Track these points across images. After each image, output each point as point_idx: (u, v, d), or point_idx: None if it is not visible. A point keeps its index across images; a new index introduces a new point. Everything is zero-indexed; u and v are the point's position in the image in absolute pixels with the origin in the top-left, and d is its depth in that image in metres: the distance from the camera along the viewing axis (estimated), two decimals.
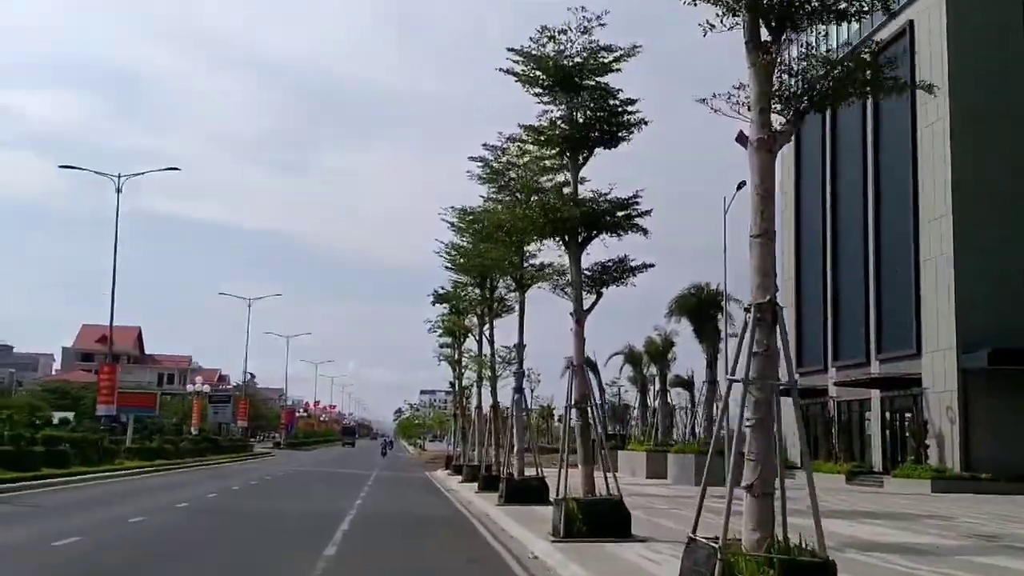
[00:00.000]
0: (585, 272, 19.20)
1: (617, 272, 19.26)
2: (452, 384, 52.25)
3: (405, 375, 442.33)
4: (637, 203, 19.18)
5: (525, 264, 27.64)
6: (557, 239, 19.43)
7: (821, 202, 48.45)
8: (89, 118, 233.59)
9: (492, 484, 30.18)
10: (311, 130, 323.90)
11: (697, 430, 46.28)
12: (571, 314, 19.15)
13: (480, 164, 27.63)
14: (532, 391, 78.73)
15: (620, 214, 19.18)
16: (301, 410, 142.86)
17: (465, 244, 33.80)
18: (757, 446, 10.26)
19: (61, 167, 44.93)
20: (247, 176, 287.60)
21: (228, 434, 71.59)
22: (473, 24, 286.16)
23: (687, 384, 56.64)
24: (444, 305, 49.82)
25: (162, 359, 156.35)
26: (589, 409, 18.74)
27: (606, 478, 17.79)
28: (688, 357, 58.32)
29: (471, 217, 30.64)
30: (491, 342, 34.51)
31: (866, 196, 43.65)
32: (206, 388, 60.18)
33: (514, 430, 28.10)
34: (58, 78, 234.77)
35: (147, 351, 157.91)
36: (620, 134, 19.48)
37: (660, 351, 45.79)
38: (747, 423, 10.34)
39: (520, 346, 27.62)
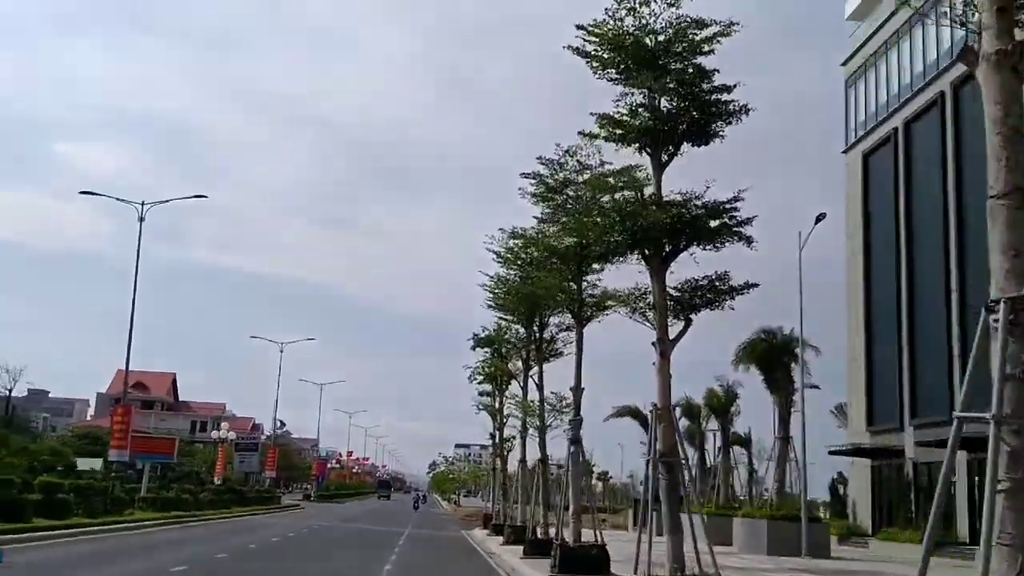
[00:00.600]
0: (671, 291, 15.48)
1: (712, 292, 15.47)
2: (492, 436, 48.38)
3: (440, 429, 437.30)
4: (736, 208, 15.48)
5: (584, 293, 24.01)
6: (635, 253, 15.74)
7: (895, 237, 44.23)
8: (141, 169, 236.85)
9: (541, 549, 26.38)
10: (359, 185, 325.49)
11: (758, 491, 41.91)
12: (653, 344, 15.38)
13: (534, 180, 24.16)
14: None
15: (714, 223, 15.49)
16: (333, 461, 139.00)
17: (512, 275, 30.31)
18: (1016, 523, 6.40)
19: (82, 192, 40.11)
20: (294, 229, 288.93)
21: (255, 485, 67.90)
22: (523, 85, 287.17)
23: (744, 442, 52.30)
24: (485, 350, 46.35)
25: (196, 406, 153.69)
26: (677, 463, 14.89)
27: (697, 551, 13.90)
28: (747, 412, 54.02)
29: (521, 241, 27.06)
30: (540, 387, 30.70)
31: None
32: (231, 435, 56.62)
33: (569, 488, 24.16)
34: (111, 130, 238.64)
35: (182, 398, 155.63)
36: (714, 126, 15.85)
37: (722, 404, 41.59)
38: (1001, 485, 6.44)
39: (577, 389, 23.80)
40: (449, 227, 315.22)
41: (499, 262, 31.12)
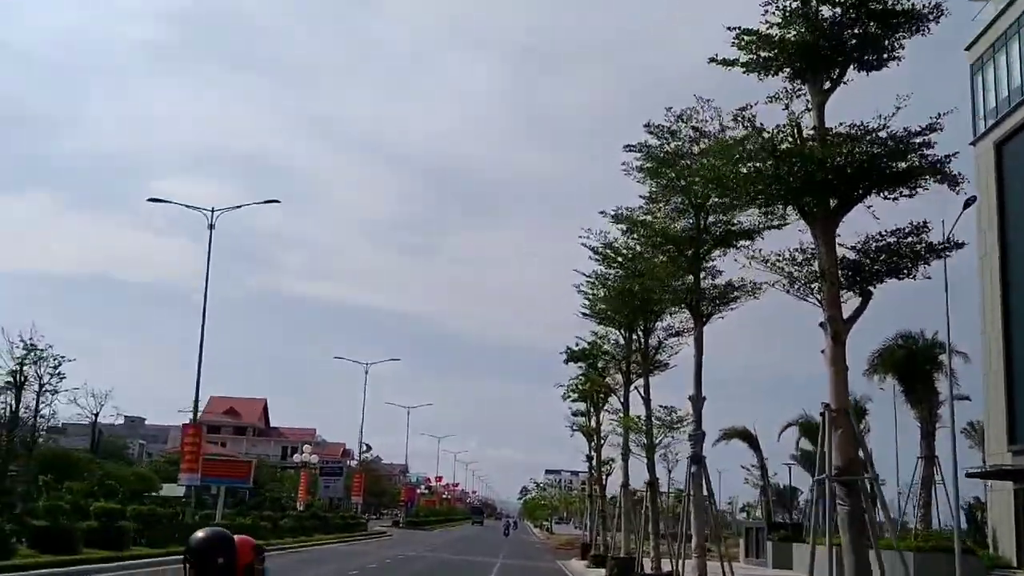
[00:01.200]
0: (846, 253, 11.60)
1: (907, 251, 11.49)
2: (588, 458, 44.49)
3: (530, 455, 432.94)
4: (930, 141, 11.52)
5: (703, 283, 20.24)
6: (793, 205, 11.91)
7: None
8: (229, 202, 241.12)
9: None
10: (439, 212, 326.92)
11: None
12: (821, 325, 11.52)
13: (640, 153, 20.50)
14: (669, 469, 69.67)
15: (902, 164, 11.55)
16: (423, 487, 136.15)
17: (612, 273, 26.66)
18: None
19: (150, 200, 37.47)
20: (377, 258, 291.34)
21: (340, 511, 65.11)
22: (598, 103, 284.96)
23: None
24: (579, 364, 42.59)
25: (287, 432, 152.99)
26: (862, 483, 10.96)
27: None
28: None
29: (624, 225, 23.31)
30: (646, 400, 26.77)
31: None
32: (314, 459, 53.87)
33: (691, 515, 20.18)
34: (204, 166, 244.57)
35: (273, 424, 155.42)
36: (891, 40, 11.96)
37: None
38: None
39: (698, 398, 19.90)
40: (531, 251, 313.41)
41: (597, 259, 27.53)
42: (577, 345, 42.08)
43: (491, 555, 45.84)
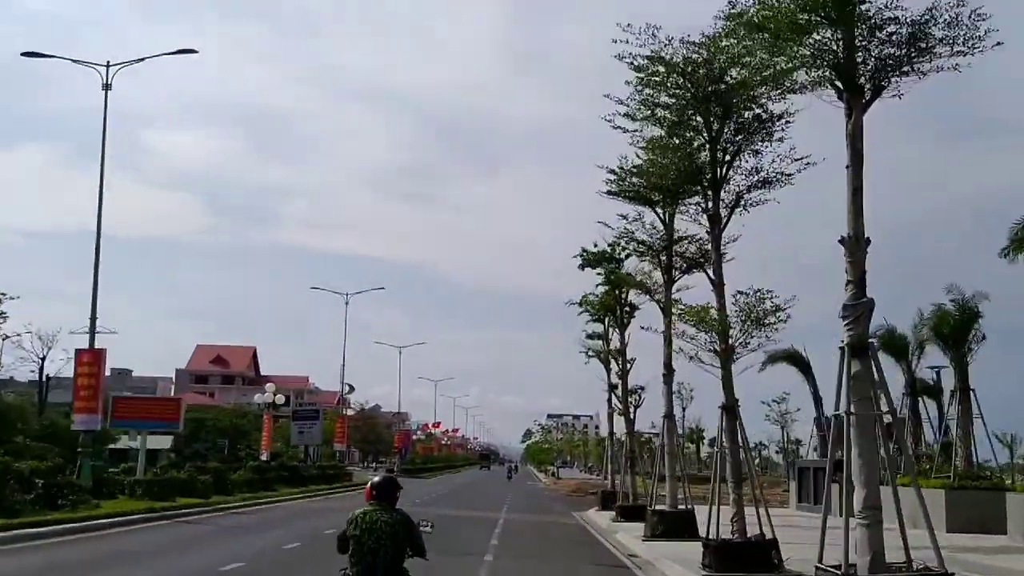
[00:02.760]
0: None
1: None
2: (611, 387, 35.39)
3: (531, 402, 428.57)
4: None
5: None
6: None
7: None
8: (228, 155, 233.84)
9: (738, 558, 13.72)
10: (439, 160, 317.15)
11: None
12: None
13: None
14: (684, 410, 60.60)
15: None
16: (420, 433, 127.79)
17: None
18: None
19: (24, 55, 27.19)
20: (377, 207, 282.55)
21: (317, 460, 56.39)
22: (597, 50, 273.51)
23: (932, 391, 38.15)
24: (597, 271, 33.46)
25: (278, 380, 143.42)
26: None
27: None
28: None
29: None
30: (718, 285, 17.46)
31: None
32: (278, 399, 44.79)
33: (853, 449, 11.00)
34: (198, 118, 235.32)
35: (267, 372, 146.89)
36: None
37: (958, 327, 27.17)
38: None
39: (859, 240, 10.67)
40: (531, 198, 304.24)
41: (636, 82, 18.18)
42: (595, 246, 33.09)
43: (494, 508, 37.03)
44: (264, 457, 42.57)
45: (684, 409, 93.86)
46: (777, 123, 17.10)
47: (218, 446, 58.54)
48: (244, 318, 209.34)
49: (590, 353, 39.46)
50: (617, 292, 33.24)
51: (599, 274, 33.28)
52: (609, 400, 39.81)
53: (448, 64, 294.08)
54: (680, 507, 24.63)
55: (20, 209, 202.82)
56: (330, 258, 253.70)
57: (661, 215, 25.37)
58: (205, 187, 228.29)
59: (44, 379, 55.69)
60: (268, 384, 46.02)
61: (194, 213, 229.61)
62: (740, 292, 17.00)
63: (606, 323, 38.71)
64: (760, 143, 17.41)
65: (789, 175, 17.42)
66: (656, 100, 17.86)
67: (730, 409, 17.29)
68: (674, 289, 24.52)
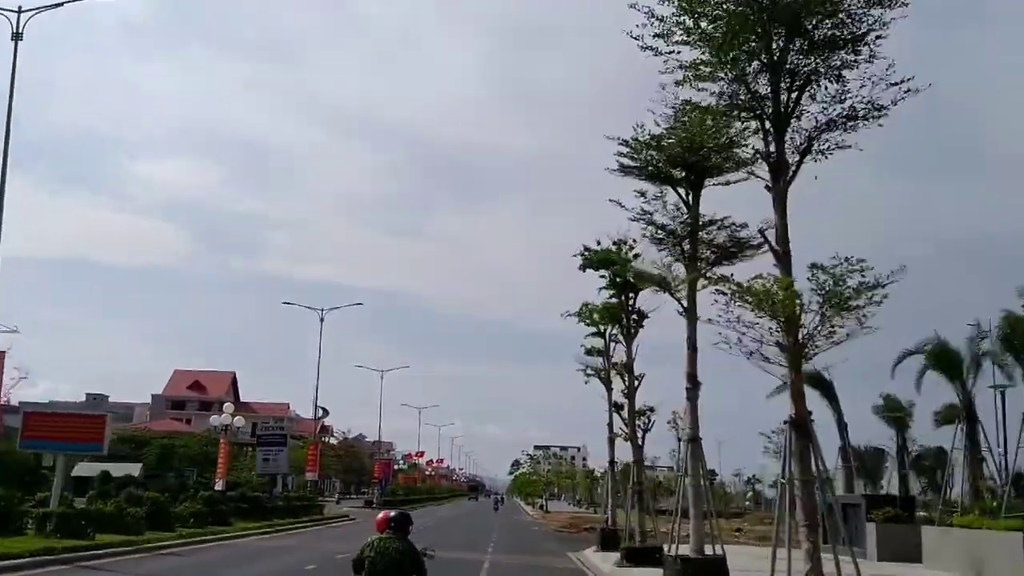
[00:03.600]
0: None
1: None
2: (615, 407, 30.52)
3: (517, 432, 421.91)
4: None
5: None
6: None
7: None
8: (213, 184, 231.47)
9: None
10: (424, 193, 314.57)
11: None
12: None
13: None
14: (679, 439, 56.78)
15: None
16: (402, 462, 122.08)
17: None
18: None
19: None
20: (362, 238, 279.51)
21: (284, 490, 51.04)
22: (584, 86, 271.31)
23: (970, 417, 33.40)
24: (601, 274, 28.85)
25: (258, 407, 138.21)
26: None
27: None
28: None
29: None
30: (782, 255, 12.79)
31: None
32: (239, 422, 39.59)
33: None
34: (182, 146, 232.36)
35: (247, 399, 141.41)
36: None
37: None
38: None
39: None
40: (515, 231, 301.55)
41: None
42: (598, 244, 28.45)
43: (477, 549, 31.95)
44: (219, 487, 37.38)
45: (679, 440, 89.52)
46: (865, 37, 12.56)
47: (184, 475, 53.54)
48: (226, 346, 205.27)
49: (588, 371, 34.73)
50: (623, 298, 28.58)
51: (602, 276, 28.64)
52: (610, 424, 34.88)
53: (433, 95, 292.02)
54: (707, 551, 19.85)
55: None
56: (314, 287, 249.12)
57: (684, 196, 20.93)
58: (188, 216, 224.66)
59: None
60: (226, 404, 40.90)
61: (177, 241, 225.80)
62: (817, 267, 12.34)
63: (607, 337, 34.05)
64: (840, 63, 12.82)
65: (880, 109, 12.84)
66: (699, 10, 13.25)
67: (800, 425, 12.60)
68: (699, 285, 19.97)
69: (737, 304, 12.55)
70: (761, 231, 13.09)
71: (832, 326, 12.29)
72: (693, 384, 20.31)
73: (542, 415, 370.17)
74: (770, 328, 12.32)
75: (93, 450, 25.91)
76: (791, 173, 13.22)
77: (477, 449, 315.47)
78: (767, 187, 13.46)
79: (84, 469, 57.30)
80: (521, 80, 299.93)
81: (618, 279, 28.33)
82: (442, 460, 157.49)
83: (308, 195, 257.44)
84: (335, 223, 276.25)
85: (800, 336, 12.40)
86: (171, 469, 68.16)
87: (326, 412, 63.52)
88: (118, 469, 60.61)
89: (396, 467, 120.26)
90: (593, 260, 28.29)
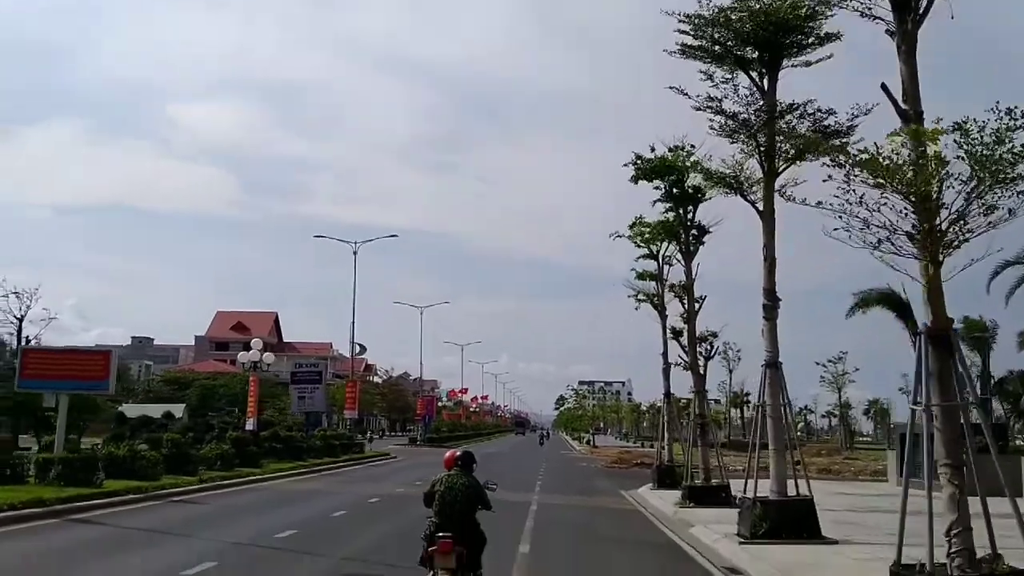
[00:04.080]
0: None
1: None
2: (674, 333, 27.52)
3: (560, 369, 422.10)
4: None
5: None
6: None
7: None
8: (254, 127, 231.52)
9: None
10: (463, 131, 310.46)
11: None
12: None
13: None
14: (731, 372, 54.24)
15: None
16: (446, 399, 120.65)
17: None
18: None
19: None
20: (402, 178, 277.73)
21: (326, 428, 49.10)
22: (623, 18, 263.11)
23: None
24: (656, 184, 25.80)
25: (301, 346, 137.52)
26: None
27: None
28: None
29: None
30: (911, 112, 9.85)
31: None
32: (267, 359, 37.19)
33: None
34: (224, 91, 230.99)
35: (286, 340, 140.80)
36: None
37: None
38: None
39: None
40: (555, 167, 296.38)
41: None
42: (652, 150, 25.27)
43: (522, 487, 29.51)
44: (249, 427, 35.27)
45: (731, 372, 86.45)
46: None
47: (225, 414, 52.00)
48: (269, 289, 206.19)
49: (640, 297, 31.81)
50: (681, 211, 25.50)
51: (657, 188, 25.53)
52: (665, 352, 32.03)
53: (471, 31, 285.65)
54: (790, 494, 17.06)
55: (47, 183, 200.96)
56: (357, 228, 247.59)
57: (757, 80, 17.73)
58: (232, 161, 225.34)
59: (22, 340, 48.77)
60: (254, 340, 38.58)
61: (220, 186, 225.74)
62: (964, 125, 9.23)
63: (660, 258, 31.06)
64: None
65: None
66: None
67: (941, 336, 9.63)
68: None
69: (857, 179, 9.51)
70: (883, 86, 9.93)
71: (984, 205, 9.23)
72: (772, 301, 17.36)
73: (586, 351, 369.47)
74: (904, 210, 9.29)
75: (97, 388, 23.67)
76: (922, 8, 10.04)
77: (522, 386, 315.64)
78: (888, 32, 10.31)
79: (130, 411, 56.07)
80: (558, 12, 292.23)
81: (675, 190, 25.27)
82: (486, 396, 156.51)
83: (349, 136, 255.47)
84: (376, 163, 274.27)
85: (940, 219, 9.37)
86: (213, 409, 66.84)
87: (363, 349, 61.51)
88: (160, 411, 59.52)
89: (440, 404, 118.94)
90: (647, 169, 25.19)
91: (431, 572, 9.18)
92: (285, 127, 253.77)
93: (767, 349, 17.36)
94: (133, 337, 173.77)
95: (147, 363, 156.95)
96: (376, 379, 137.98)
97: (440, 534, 9.13)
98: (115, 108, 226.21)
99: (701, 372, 25.17)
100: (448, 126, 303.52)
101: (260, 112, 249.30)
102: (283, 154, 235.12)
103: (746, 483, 17.42)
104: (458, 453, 9.84)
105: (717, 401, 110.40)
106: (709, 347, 25.28)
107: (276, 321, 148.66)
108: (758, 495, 16.83)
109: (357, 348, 58.79)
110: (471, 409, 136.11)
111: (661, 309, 31.60)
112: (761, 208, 17.65)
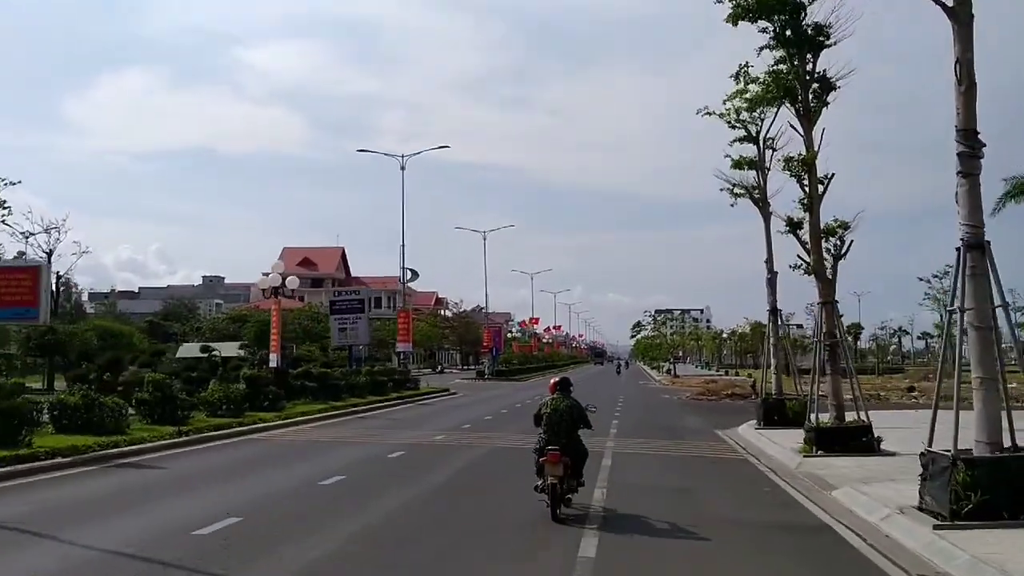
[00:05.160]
0: None
1: None
2: (789, 225, 20.68)
3: (636, 300, 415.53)
4: None
5: None
6: None
7: None
8: (325, 68, 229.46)
9: None
10: (532, 65, 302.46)
11: None
12: None
13: None
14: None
15: None
16: (516, 330, 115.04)
17: None
18: None
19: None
20: (472, 113, 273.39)
21: (365, 361, 43.71)
22: None
23: None
24: (761, 26, 19.06)
25: (368, 280, 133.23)
26: None
27: None
28: None
29: None
30: None
31: None
32: (291, 283, 31.47)
33: None
34: (292, 31, 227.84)
35: (354, 275, 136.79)
36: None
37: None
38: None
39: None
40: (629, 98, 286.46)
41: None
42: None
43: (596, 432, 23.76)
44: (273, 363, 29.91)
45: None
46: None
47: (286, 350, 47.49)
48: (341, 227, 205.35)
49: (737, 190, 25.25)
50: (798, 62, 18.69)
51: (763, 31, 18.78)
52: (768, 259, 25.50)
53: None
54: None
55: (124, 132, 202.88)
56: (428, 165, 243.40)
57: None
58: (302, 101, 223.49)
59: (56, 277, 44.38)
60: (275, 263, 33.00)
61: (293, 128, 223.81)
62: None
63: (761, 141, 24.47)
64: None
65: None
66: None
67: None
68: None
69: None
70: None
71: None
72: (972, 145, 10.77)
73: (663, 281, 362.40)
74: None
75: (23, 316, 18.23)
76: None
77: (598, 317, 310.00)
78: None
79: (187, 350, 51.85)
80: None
81: (788, 33, 18.54)
82: (559, 327, 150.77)
83: (418, 74, 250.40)
84: (446, 100, 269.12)
85: None
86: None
87: (415, 274, 55.87)
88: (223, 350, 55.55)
89: (509, 335, 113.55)
90: (748, 6, 18.46)
91: (541, 480, 10.92)
92: (355, 66, 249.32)
93: (965, 221, 10.83)
94: (204, 276, 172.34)
95: (217, 302, 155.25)
96: (447, 313, 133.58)
97: (549, 447, 10.92)
98: (189, 55, 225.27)
99: (829, 276, 18.60)
100: (518, 59, 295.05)
101: (330, 52, 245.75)
102: (353, 93, 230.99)
103: (932, 430, 11.08)
104: (557, 380, 11.84)
105: (799, 326, 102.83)
106: (839, 243, 18.61)
107: (343, 256, 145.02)
108: (959, 453, 10.50)
109: (408, 274, 53.18)
110: (544, 340, 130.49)
111: (763, 203, 25.10)
112: (952, 2, 10.99)
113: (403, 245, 49.64)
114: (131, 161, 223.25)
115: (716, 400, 42.61)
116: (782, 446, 18.82)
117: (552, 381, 11.77)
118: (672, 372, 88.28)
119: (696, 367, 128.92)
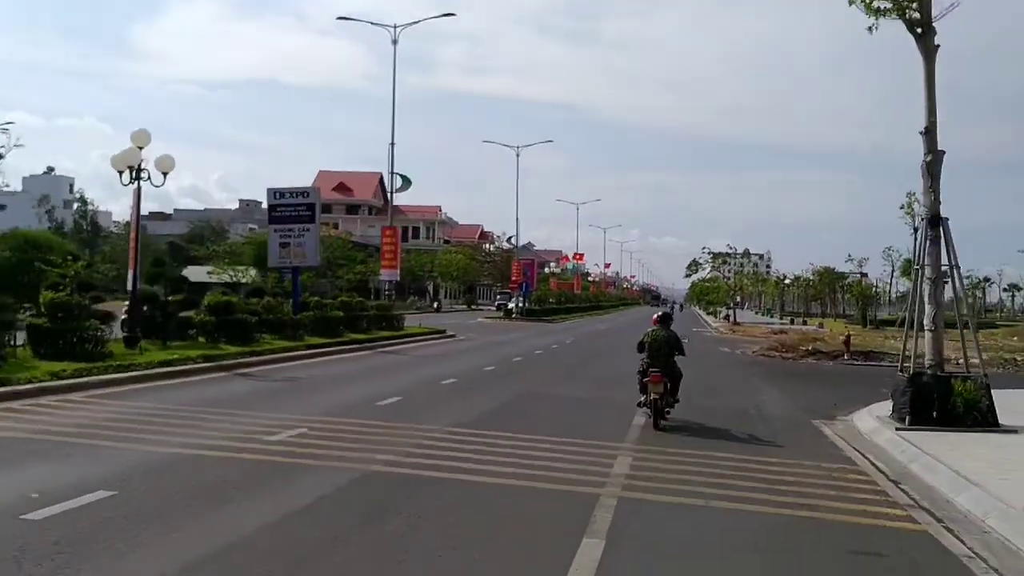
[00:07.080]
0: None
1: None
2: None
3: (693, 243, 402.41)
4: None
5: None
6: None
7: None
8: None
9: None
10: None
11: None
12: None
13: None
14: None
15: None
16: (554, 265, 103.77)
17: None
18: None
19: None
20: (536, 48, 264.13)
21: (310, 290, 32.97)
22: None
23: None
24: None
25: (407, 209, 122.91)
26: None
27: None
28: None
29: None
30: None
31: None
32: (161, 163, 20.34)
33: None
34: None
35: (395, 203, 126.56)
36: None
37: None
38: None
39: None
40: (694, 33, 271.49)
41: None
42: None
43: (604, 424, 13.09)
44: (129, 285, 19.38)
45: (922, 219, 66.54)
46: None
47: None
48: (379, 157, 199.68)
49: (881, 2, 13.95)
50: None
51: None
52: (930, 124, 14.32)
53: None
54: None
55: (192, 60, 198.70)
56: (490, 100, 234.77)
57: None
58: (367, 33, 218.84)
59: None
60: (131, 143, 21.89)
61: (355, 59, 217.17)
62: None
63: None
64: None
65: None
66: None
67: None
68: None
69: None
70: None
71: None
72: None
73: (722, 224, 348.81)
74: None
75: None
76: None
77: (653, 259, 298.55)
78: None
79: (195, 274, 45.86)
80: None
81: None
82: (608, 265, 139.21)
83: (481, 6, 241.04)
84: (509, 33, 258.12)
85: None
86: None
87: (408, 182, 44.58)
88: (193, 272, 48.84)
89: (546, 271, 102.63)
90: None
91: (644, 396, 13.13)
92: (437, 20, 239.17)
93: None
94: (240, 200, 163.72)
95: (251, 227, 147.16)
96: (489, 247, 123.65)
97: (652, 368, 12.97)
98: None
99: None
100: None
101: None
102: (417, 25, 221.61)
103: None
104: (659, 314, 14.29)
105: (864, 274, 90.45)
106: None
107: (380, 182, 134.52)
108: None
109: (398, 180, 42.04)
110: (590, 279, 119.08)
111: (925, 25, 13.82)
112: None
113: (392, 144, 38.92)
114: (197, 89, 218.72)
115: (794, 358, 31.48)
116: (947, 472, 7.90)
117: (655, 316, 14.12)
118: (732, 319, 76.68)
119: (756, 313, 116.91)
